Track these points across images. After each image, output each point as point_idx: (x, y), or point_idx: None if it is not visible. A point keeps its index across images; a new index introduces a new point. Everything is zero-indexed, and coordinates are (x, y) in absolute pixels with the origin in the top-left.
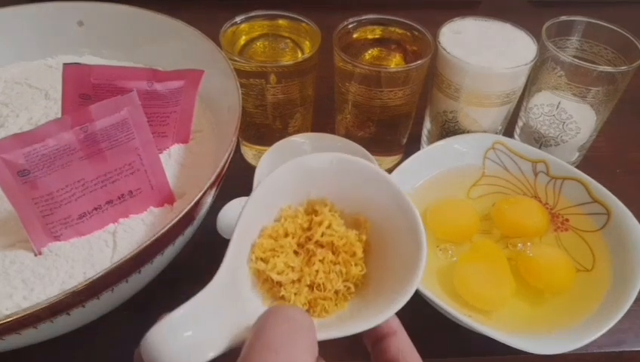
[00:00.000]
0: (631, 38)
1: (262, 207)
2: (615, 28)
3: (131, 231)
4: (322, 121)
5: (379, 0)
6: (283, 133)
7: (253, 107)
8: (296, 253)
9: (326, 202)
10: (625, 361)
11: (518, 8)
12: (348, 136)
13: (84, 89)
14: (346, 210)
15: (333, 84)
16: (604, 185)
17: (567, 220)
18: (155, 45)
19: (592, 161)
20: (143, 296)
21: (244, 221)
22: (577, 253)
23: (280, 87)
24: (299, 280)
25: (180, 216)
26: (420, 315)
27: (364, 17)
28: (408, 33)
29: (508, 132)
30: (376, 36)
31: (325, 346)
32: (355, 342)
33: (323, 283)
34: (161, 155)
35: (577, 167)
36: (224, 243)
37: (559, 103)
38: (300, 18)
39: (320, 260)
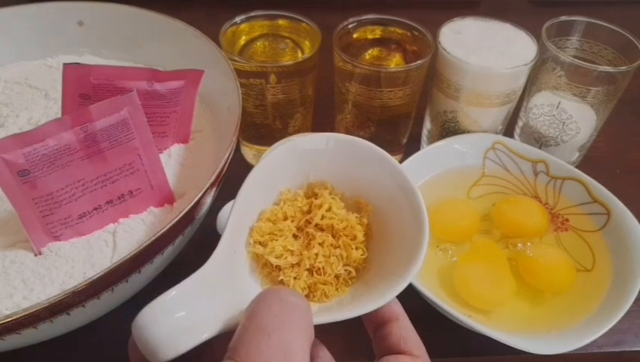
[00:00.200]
0: (631, 38)
1: (260, 189)
2: (615, 28)
3: (131, 231)
4: (322, 121)
5: (379, 0)
6: (283, 133)
7: (253, 107)
8: (295, 236)
9: (326, 185)
10: (625, 361)
11: (518, 8)
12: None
13: (84, 89)
14: (346, 193)
15: (333, 84)
16: (604, 185)
17: (567, 220)
18: (155, 45)
19: (592, 161)
20: (143, 296)
21: (240, 203)
22: (577, 253)
23: (280, 87)
24: (298, 264)
25: (180, 216)
26: (420, 315)
27: (364, 17)
28: (408, 33)
29: (508, 132)
30: (376, 36)
31: (325, 345)
32: (355, 342)
33: (323, 267)
34: (161, 155)
35: (577, 167)
36: None
37: (559, 103)
38: (300, 18)
39: (320, 244)
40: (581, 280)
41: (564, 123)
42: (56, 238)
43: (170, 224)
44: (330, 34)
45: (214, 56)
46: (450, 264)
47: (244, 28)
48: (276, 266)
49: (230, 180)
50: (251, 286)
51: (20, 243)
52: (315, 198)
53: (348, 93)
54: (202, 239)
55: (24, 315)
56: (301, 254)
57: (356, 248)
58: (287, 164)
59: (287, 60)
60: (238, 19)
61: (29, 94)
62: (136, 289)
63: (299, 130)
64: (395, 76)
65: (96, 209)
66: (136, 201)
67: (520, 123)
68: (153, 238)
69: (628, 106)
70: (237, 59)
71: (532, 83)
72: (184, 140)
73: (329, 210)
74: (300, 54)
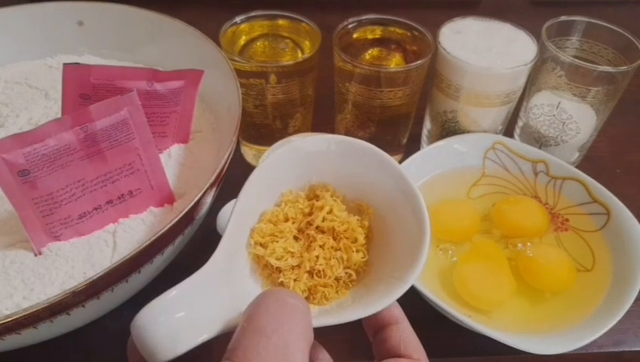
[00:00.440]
0: (631, 38)
1: (261, 191)
2: (615, 28)
3: (131, 231)
4: (322, 121)
5: (379, 0)
6: (283, 133)
7: (253, 107)
8: (296, 238)
9: (328, 187)
10: (625, 361)
11: (518, 8)
12: (348, 136)
13: (84, 89)
14: (348, 195)
15: (333, 84)
16: (604, 185)
17: (567, 220)
18: (155, 45)
19: (592, 161)
20: (143, 295)
21: (241, 204)
22: (577, 253)
23: (280, 87)
24: (298, 266)
25: (180, 216)
26: (420, 315)
27: (364, 17)
28: (408, 33)
29: (508, 132)
30: (376, 36)
31: (324, 346)
32: (355, 344)
33: (323, 270)
34: (161, 155)
35: (577, 167)
36: None
37: (559, 103)
38: (300, 18)
39: (320, 246)
40: (581, 280)
41: (564, 123)
42: (56, 238)
43: (170, 224)
44: (330, 34)
45: (214, 56)
46: (450, 264)
47: (244, 28)
48: (276, 268)
49: (230, 180)
50: (251, 288)
51: (19, 243)
52: (317, 200)
53: (348, 93)
54: (202, 239)
55: (24, 315)
56: (302, 256)
57: (357, 251)
58: (288, 166)
59: (287, 60)
60: (238, 19)
61: (29, 94)
62: (136, 289)
63: (299, 130)
64: (395, 76)
65: (96, 209)
66: (136, 201)
67: (520, 123)
68: (153, 238)
69: (628, 106)
70: (237, 59)
71: (532, 83)
72: (184, 140)
73: (330, 212)
74: (300, 54)
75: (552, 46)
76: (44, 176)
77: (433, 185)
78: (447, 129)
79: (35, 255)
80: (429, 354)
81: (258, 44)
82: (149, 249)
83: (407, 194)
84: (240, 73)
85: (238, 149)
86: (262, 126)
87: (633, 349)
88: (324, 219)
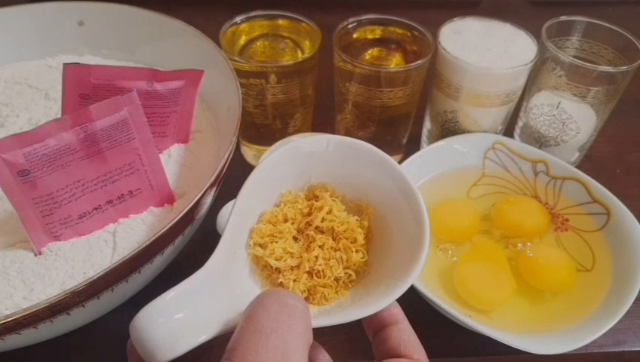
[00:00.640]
0: (631, 38)
1: (261, 191)
2: (615, 28)
3: (131, 231)
4: (322, 121)
5: (379, 0)
6: (283, 133)
7: (253, 107)
8: (295, 239)
9: (327, 187)
10: (625, 361)
11: (518, 8)
12: (348, 136)
13: (84, 89)
14: (347, 196)
15: (333, 84)
16: (604, 185)
17: (567, 220)
18: (155, 45)
19: (592, 160)
20: (143, 295)
21: (240, 204)
22: (577, 253)
23: (280, 87)
24: (298, 267)
25: (180, 216)
26: (420, 315)
27: (364, 17)
28: (408, 33)
29: (508, 132)
30: (376, 36)
31: (324, 346)
32: (355, 343)
33: (323, 270)
34: (161, 155)
35: (577, 167)
36: None
37: (559, 103)
38: (300, 18)
39: (320, 246)
40: (581, 280)
41: (564, 123)
42: (56, 238)
43: (170, 224)
44: (330, 34)
45: (214, 56)
46: (450, 264)
47: (244, 28)
48: (276, 268)
49: (230, 180)
50: (250, 288)
51: (20, 243)
52: (316, 200)
53: (348, 93)
54: (202, 239)
55: (24, 315)
56: (301, 256)
57: (356, 251)
58: (288, 166)
59: (287, 60)
60: (238, 19)
61: (29, 94)
62: (136, 289)
63: (299, 130)
64: (395, 76)
65: (96, 209)
66: (136, 201)
67: (520, 123)
68: (153, 238)
69: (628, 106)
70: (237, 59)
71: (532, 83)
72: (184, 140)
73: (329, 212)
74: (300, 54)
75: (552, 46)
76: (44, 176)
77: (433, 185)
78: (447, 129)
79: (35, 255)
80: (429, 354)
81: (258, 44)
82: (149, 249)
83: (406, 194)
84: (240, 73)
85: (238, 149)
86: (262, 126)
87: (633, 349)
88: (323, 220)
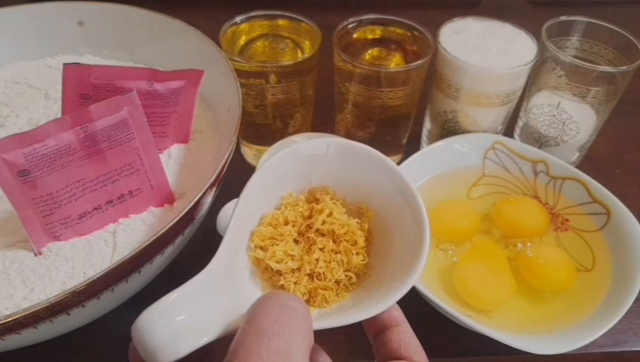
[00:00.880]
0: (631, 38)
1: (261, 194)
2: (615, 28)
3: (131, 231)
4: (322, 121)
5: (379, 0)
6: (283, 133)
7: (253, 107)
8: (296, 241)
9: (328, 190)
10: (625, 361)
11: (518, 8)
12: (348, 136)
13: (84, 89)
14: (348, 198)
15: (333, 84)
16: (604, 185)
17: (567, 220)
18: (155, 45)
19: (592, 160)
20: (143, 295)
21: (241, 207)
22: (577, 253)
23: (280, 87)
24: (299, 269)
25: (180, 216)
26: (420, 315)
27: (364, 17)
28: (408, 33)
29: (508, 132)
30: (376, 36)
31: (324, 346)
32: (354, 343)
33: (323, 273)
34: (161, 155)
35: (577, 167)
36: None
37: (559, 103)
38: (300, 18)
39: (320, 249)
40: (581, 280)
41: (564, 123)
42: (56, 238)
43: (170, 224)
44: (330, 34)
45: (214, 56)
46: (450, 264)
47: (244, 28)
48: (277, 271)
49: (230, 180)
50: (252, 291)
51: (20, 243)
52: (317, 203)
53: (348, 93)
54: (202, 239)
55: (24, 315)
56: (302, 259)
57: (357, 253)
58: (288, 169)
59: (287, 60)
60: (238, 19)
61: (29, 94)
62: (136, 289)
63: (299, 130)
64: (395, 76)
65: (96, 209)
66: (136, 201)
67: (520, 123)
68: (153, 238)
69: (628, 106)
70: (237, 59)
71: (532, 83)
72: (184, 140)
73: (330, 215)
74: (300, 54)
75: (552, 46)
76: (44, 176)
77: (433, 185)
78: (447, 129)
79: (35, 255)
80: (429, 354)
81: (258, 44)
82: (149, 249)
83: (406, 196)
84: (240, 73)
85: (238, 149)
86: (262, 126)
87: (633, 349)
88: (324, 222)
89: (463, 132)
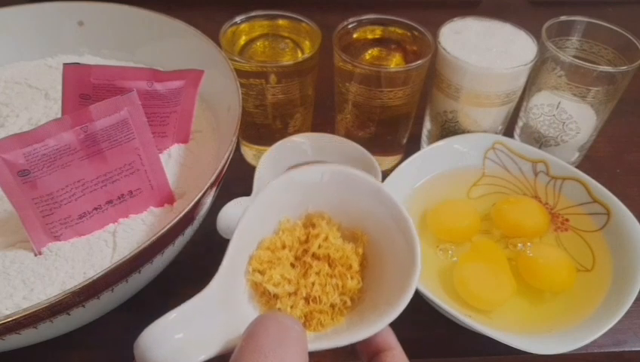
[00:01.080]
0: (631, 38)
1: (259, 220)
2: (615, 28)
3: (131, 231)
4: (322, 121)
5: (379, 0)
6: (283, 133)
7: (253, 107)
8: (293, 265)
9: (324, 215)
10: (625, 361)
11: (518, 8)
12: (348, 136)
13: (84, 89)
14: (343, 223)
15: (333, 84)
16: (604, 185)
17: (567, 220)
18: (155, 45)
19: (592, 160)
20: (143, 295)
21: (240, 232)
22: (577, 253)
23: (280, 87)
24: (295, 293)
25: (180, 216)
26: (420, 315)
27: (364, 17)
28: (408, 33)
29: (508, 132)
30: (376, 36)
31: (321, 353)
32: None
33: (319, 296)
34: (161, 155)
35: (577, 167)
36: (224, 243)
37: (559, 103)
38: (300, 18)
39: (316, 273)
40: (581, 280)
41: (564, 123)
42: (56, 238)
43: (170, 224)
44: (330, 34)
45: (214, 56)
46: (450, 264)
47: (244, 28)
48: (274, 294)
49: (230, 180)
50: (249, 314)
51: (20, 243)
52: (313, 228)
53: (348, 93)
54: (202, 239)
55: (24, 315)
56: (298, 283)
57: (352, 277)
58: (286, 195)
59: (287, 60)
60: (238, 19)
61: (29, 94)
62: (136, 289)
63: (299, 130)
64: (395, 76)
65: (96, 209)
66: (136, 201)
67: (520, 123)
68: (153, 238)
69: (628, 106)
70: (237, 59)
71: (532, 83)
72: (184, 140)
73: (325, 239)
74: (300, 54)
75: (552, 46)
76: (44, 176)
77: (433, 185)
78: (447, 129)
79: (35, 255)
80: (429, 354)
81: (258, 44)
82: (149, 249)
83: (398, 220)
84: (240, 73)
85: (238, 149)
86: (262, 126)
87: (633, 349)
88: (319, 246)
89: (463, 132)
